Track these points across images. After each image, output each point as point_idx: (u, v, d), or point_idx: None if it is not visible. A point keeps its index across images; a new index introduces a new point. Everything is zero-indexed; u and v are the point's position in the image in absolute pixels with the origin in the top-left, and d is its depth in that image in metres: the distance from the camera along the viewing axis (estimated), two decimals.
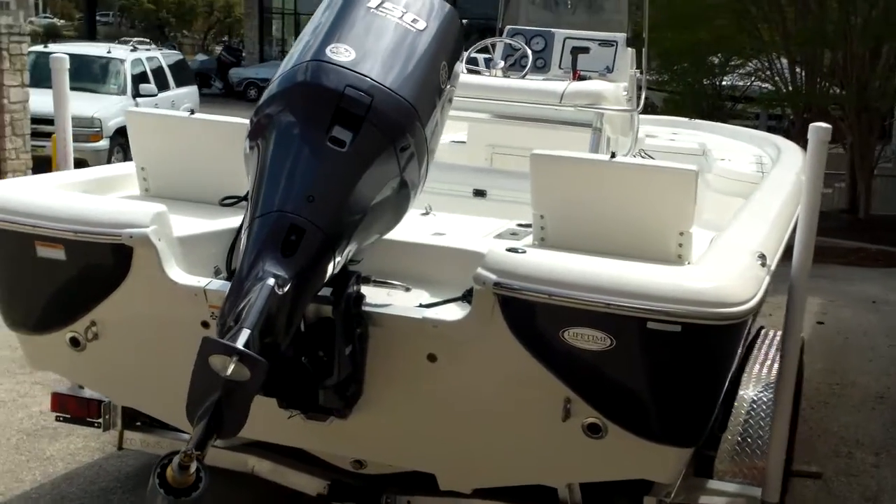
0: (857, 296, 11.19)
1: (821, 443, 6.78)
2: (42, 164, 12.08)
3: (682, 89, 18.18)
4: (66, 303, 4.22)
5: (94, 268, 4.12)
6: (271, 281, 3.31)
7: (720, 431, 4.49)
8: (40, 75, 13.20)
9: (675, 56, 17.26)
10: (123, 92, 17.66)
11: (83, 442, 6.03)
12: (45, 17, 57.37)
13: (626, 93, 6.62)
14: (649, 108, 15.56)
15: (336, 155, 3.56)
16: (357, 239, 3.70)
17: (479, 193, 5.68)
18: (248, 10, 42.69)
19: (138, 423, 4.91)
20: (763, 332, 5.45)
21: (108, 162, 14.91)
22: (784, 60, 16.74)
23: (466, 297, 3.77)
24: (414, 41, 3.91)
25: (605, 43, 6.91)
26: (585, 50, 6.77)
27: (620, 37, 6.93)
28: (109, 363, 4.32)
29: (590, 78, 6.49)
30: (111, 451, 5.70)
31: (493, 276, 3.60)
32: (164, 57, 20.08)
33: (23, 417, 6.43)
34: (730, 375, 3.99)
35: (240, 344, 3.10)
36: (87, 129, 15.69)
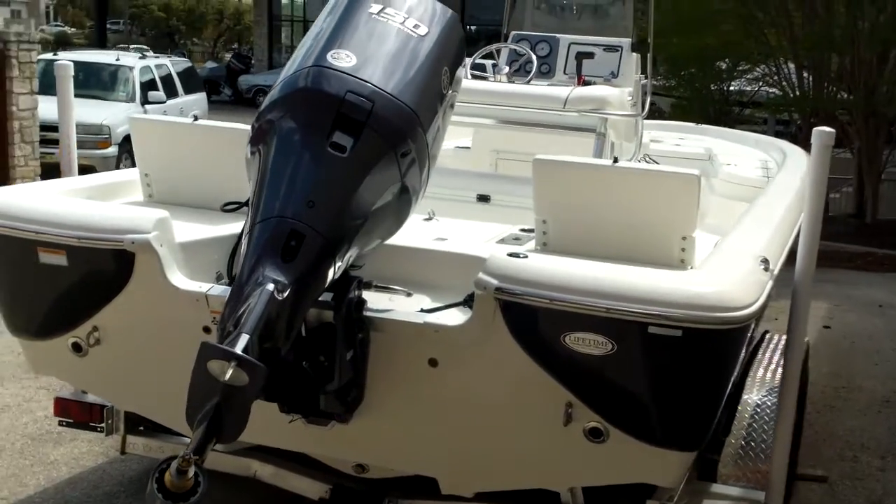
0: (864, 300, 11.16)
1: (826, 446, 6.76)
2: (51, 171, 12.09)
3: (689, 94, 18.14)
4: (68, 308, 4.23)
5: (96, 273, 4.13)
6: (271, 286, 3.31)
7: (724, 435, 4.48)
8: (49, 83, 13.19)
9: (683, 61, 17.24)
10: (132, 99, 17.72)
11: (87, 446, 6.04)
12: (57, 26, 57.60)
13: (630, 98, 6.61)
14: (657, 114, 15.57)
15: (337, 160, 3.56)
16: (358, 244, 3.70)
17: (483, 199, 5.68)
18: (257, 18, 42.74)
19: (141, 428, 4.92)
20: (768, 336, 5.44)
21: (117, 168, 14.96)
22: (791, 65, 16.71)
23: (468, 302, 3.77)
24: (415, 47, 3.91)
25: (610, 48, 6.91)
26: (590, 55, 6.77)
27: (625, 42, 6.94)
28: (111, 368, 4.33)
29: (594, 83, 6.50)
30: (115, 455, 5.71)
31: (495, 281, 3.60)
32: (172, 64, 20.17)
33: (27, 422, 6.44)
34: (732, 379, 3.99)
35: (238, 349, 3.10)
36: (95, 136, 15.80)
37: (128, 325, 4.17)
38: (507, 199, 5.50)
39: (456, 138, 6.87)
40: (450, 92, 4.08)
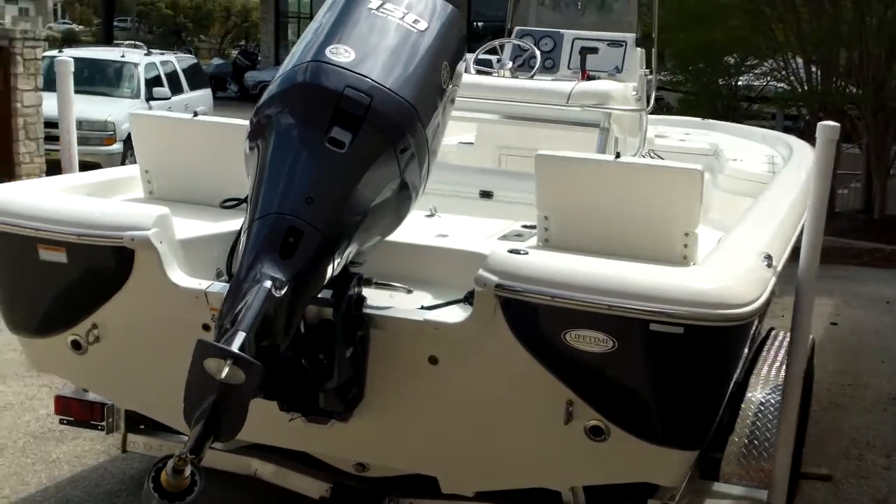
0: (871, 296, 11.10)
1: (831, 444, 6.72)
2: (55, 168, 12.02)
3: (697, 90, 18.08)
4: (68, 306, 4.21)
5: (96, 270, 4.11)
6: (268, 283, 3.28)
7: (727, 434, 4.45)
8: (55, 80, 13.22)
9: (690, 56, 17.18)
10: (137, 95, 17.73)
11: (89, 445, 6.03)
12: (64, 23, 57.73)
13: (635, 93, 6.58)
14: (664, 109, 15.53)
15: (335, 156, 3.53)
16: (357, 241, 3.67)
17: (486, 195, 5.65)
18: (264, 15, 42.72)
19: (141, 426, 4.90)
20: (773, 333, 5.40)
21: (123, 165, 14.96)
22: (800, 60, 16.64)
23: (468, 299, 3.74)
24: (415, 42, 3.88)
25: (614, 43, 6.87)
26: (594, 50, 6.73)
27: (630, 37, 6.90)
28: (111, 366, 4.31)
29: (598, 78, 6.46)
30: (116, 453, 5.69)
31: (495, 278, 3.57)
32: (178, 61, 20.16)
33: (29, 420, 6.43)
34: (735, 377, 3.96)
35: (235, 347, 3.08)
36: (100, 132, 15.82)
37: (127, 323, 4.15)
38: (510, 195, 5.46)
39: (459, 134, 6.85)
40: (450, 87, 4.05)
